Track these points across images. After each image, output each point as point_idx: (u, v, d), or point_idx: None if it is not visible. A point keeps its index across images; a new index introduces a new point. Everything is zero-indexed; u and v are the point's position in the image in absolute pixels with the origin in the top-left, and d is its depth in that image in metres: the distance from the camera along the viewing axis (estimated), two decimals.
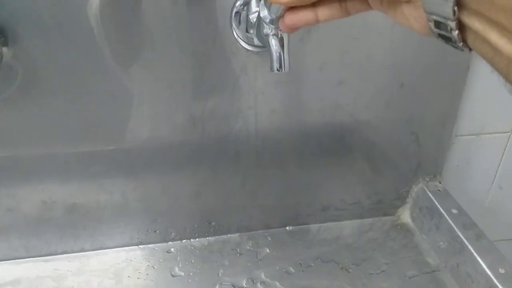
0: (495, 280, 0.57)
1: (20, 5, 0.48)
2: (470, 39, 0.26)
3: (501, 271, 0.58)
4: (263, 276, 0.64)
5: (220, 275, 0.64)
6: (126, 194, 0.64)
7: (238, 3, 0.51)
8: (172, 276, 0.64)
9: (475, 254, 0.60)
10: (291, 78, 0.58)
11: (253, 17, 0.51)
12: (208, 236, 0.70)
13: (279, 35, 0.45)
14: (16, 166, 0.59)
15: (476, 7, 0.24)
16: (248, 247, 0.69)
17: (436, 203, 0.69)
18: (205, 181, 0.65)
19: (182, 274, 0.64)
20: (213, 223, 0.69)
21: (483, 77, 0.65)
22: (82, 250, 0.67)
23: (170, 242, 0.69)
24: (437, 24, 0.27)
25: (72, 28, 0.51)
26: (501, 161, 0.75)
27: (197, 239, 0.69)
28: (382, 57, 0.59)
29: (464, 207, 0.67)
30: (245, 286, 0.63)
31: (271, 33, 0.45)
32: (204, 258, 0.67)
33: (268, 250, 0.68)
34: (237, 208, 0.69)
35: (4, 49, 0.49)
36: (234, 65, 0.56)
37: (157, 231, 0.68)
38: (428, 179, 0.72)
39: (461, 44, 0.27)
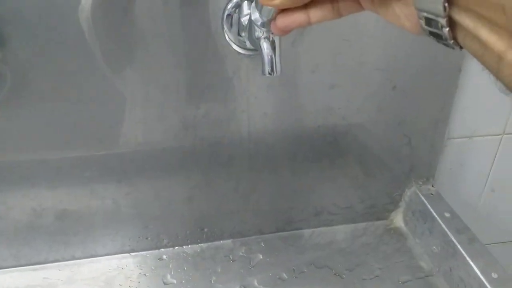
0: (487, 285, 0.57)
1: (10, 8, 0.48)
2: (460, 36, 0.26)
3: (494, 275, 0.57)
4: (256, 283, 0.64)
5: (212, 282, 0.64)
6: (118, 200, 0.63)
7: (229, 6, 0.51)
8: (164, 283, 0.63)
9: (467, 258, 0.60)
10: (283, 82, 0.58)
11: (244, 20, 0.50)
12: (200, 243, 0.69)
13: (271, 38, 0.45)
14: (5, 172, 0.58)
15: (467, 4, 0.24)
16: (241, 253, 0.68)
17: (429, 206, 0.69)
18: (198, 186, 0.65)
19: (175, 281, 0.64)
20: (205, 229, 0.68)
21: (474, 80, 0.65)
22: (73, 258, 0.66)
23: (162, 249, 0.68)
24: (428, 21, 0.27)
25: (63, 31, 0.50)
26: (493, 163, 0.76)
27: (189, 246, 0.69)
28: (374, 60, 0.59)
29: (457, 210, 0.67)
30: None
31: (262, 36, 0.45)
32: (196, 265, 0.66)
33: (261, 256, 0.68)
34: (230, 213, 0.68)
35: None
36: (227, 68, 0.56)
37: (149, 238, 0.67)
38: (421, 183, 0.72)
39: (452, 41, 0.27)
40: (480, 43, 0.25)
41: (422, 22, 0.27)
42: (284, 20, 0.35)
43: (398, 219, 0.75)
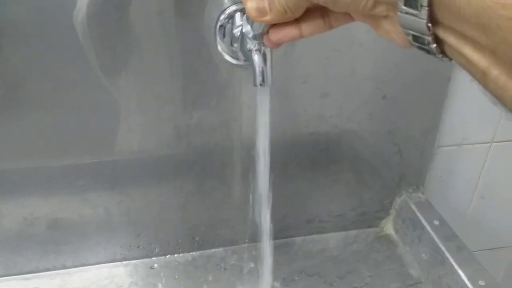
0: None
1: (5, 17, 0.48)
2: (447, 51, 0.27)
3: (481, 283, 0.58)
4: None
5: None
6: (110, 208, 0.63)
7: (222, 17, 0.51)
8: None
9: (455, 266, 0.61)
10: (275, 91, 0.58)
11: (237, 31, 0.51)
12: (192, 251, 0.69)
13: (262, 51, 0.46)
14: None
15: (449, 23, 0.25)
16: (233, 262, 0.68)
17: (418, 214, 0.69)
18: (190, 194, 0.65)
19: None
20: (197, 238, 0.69)
21: (463, 89, 0.66)
22: (64, 267, 0.65)
23: (154, 258, 0.68)
24: (415, 38, 0.27)
25: (57, 39, 0.50)
26: (482, 171, 0.77)
27: (181, 254, 0.69)
28: (365, 70, 0.60)
29: (447, 218, 0.68)
30: None
31: (254, 48, 0.46)
32: (188, 273, 0.66)
33: (252, 265, 0.68)
34: (222, 221, 0.68)
35: None
36: (219, 78, 0.56)
37: (141, 247, 0.67)
38: (411, 190, 0.73)
39: (440, 55, 0.27)
40: (465, 58, 0.25)
41: (410, 38, 0.28)
42: (277, 34, 0.36)
43: (388, 227, 0.76)
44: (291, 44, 0.56)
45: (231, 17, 0.51)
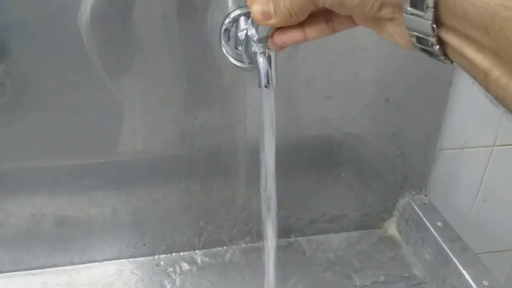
0: None
1: (12, 19, 0.49)
2: (450, 53, 0.28)
3: (485, 283, 0.59)
4: None
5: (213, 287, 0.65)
6: (116, 207, 0.64)
7: (227, 21, 0.53)
8: None
9: (459, 266, 0.61)
10: (279, 94, 0.59)
11: (241, 35, 0.52)
12: (197, 250, 0.70)
13: (267, 53, 0.46)
14: (5, 179, 0.59)
15: (453, 24, 0.26)
16: (237, 261, 0.69)
17: (422, 216, 0.70)
18: (195, 195, 0.66)
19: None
20: (202, 237, 0.70)
21: (465, 93, 0.67)
22: (72, 263, 0.67)
23: (160, 256, 0.69)
24: (419, 39, 0.28)
25: (62, 42, 0.51)
26: (484, 174, 0.77)
27: (186, 253, 0.70)
28: (368, 73, 0.60)
29: (449, 220, 0.69)
30: None
31: (258, 51, 0.46)
32: (193, 272, 0.67)
33: (256, 264, 0.69)
34: (227, 221, 0.69)
35: None
36: (224, 80, 0.57)
37: (147, 244, 0.68)
38: (414, 192, 0.74)
39: (442, 57, 0.28)
40: (467, 60, 0.26)
41: (414, 40, 0.28)
42: (281, 37, 0.37)
43: (392, 228, 0.76)
44: (294, 48, 0.57)
45: (235, 21, 0.52)
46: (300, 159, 0.66)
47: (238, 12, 0.52)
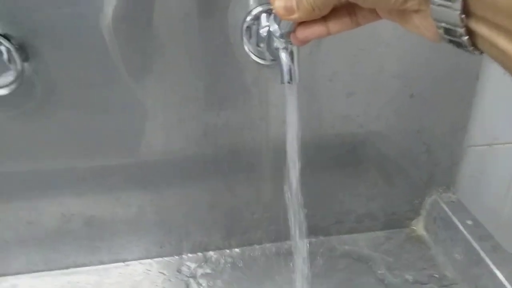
0: None
1: (39, 21, 0.50)
2: (479, 44, 0.27)
3: None
4: None
5: (238, 285, 0.65)
6: (142, 207, 0.65)
7: (248, 18, 0.53)
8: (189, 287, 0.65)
9: (492, 266, 0.59)
10: (302, 90, 0.59)
11: (263, 32, 0.52)
12: (223, 249, 0.70)
13: (289, 49, 0.47)
14: (35, 180, 0.60)
15: (482, 14, 0.25)
16: (262, 260, 0.69)
17: (450, 214, 0.68)
18: (219, 193, 0.66)
19: (200, 286, 0.65)
20: (228, 236, 0.70)
21: (493, 87, 0.65)
22: (101, 263, 0.68)
23: (185, 255, 0.70)
24: (447, 31, 0.27)
25: (88, 43, 0.53)
26: None
27: (212, 252, 0.70)
28: (392, 68, 0.60)
29: (479, 218, 0.67)
30: None
31: (281, 47, 0.47)
32: (219, 270, 0.67)
33: (281, 263, 0.68)
34: (252, 220, 0.69)
35: (25, 64, 0.52)
36: (246, 77, 0.58)
37: (173, 244, 0.69)
38: (441, 190, 0.72)
39: (471, 48, 0.27)
40: (499, 50, 0.25)
41: (441, 31, 0.28)
42: (304, 32, 0.37)
43: (419, 227, 0.75)
44: (317, 43, 0.57)
45: (257, 18, 0.53)
46: (323, 157, 0.66)
47: (259, 9, 0.53)
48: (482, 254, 0.61)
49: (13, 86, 0.52)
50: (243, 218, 0.69)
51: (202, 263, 0.69)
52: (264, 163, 0.65)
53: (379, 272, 0.67)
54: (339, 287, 0.65)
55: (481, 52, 0.28)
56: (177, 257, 0.69)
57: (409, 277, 0.66)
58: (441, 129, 0.67)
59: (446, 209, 0.69)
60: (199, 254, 0.70)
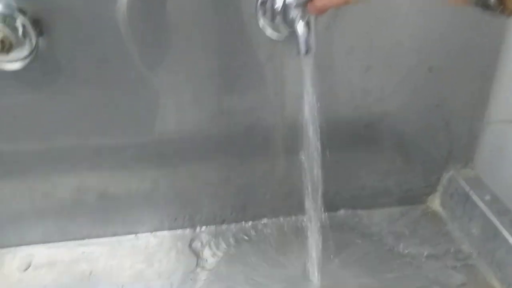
0: None
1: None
2: (509, 3, 0.26)
3: None
4: (285, 262, 0.65)
5: (248, 260, 0.65)
6: (156, 180, 0.65)
7: None
8: (201, 261, 0.65)
9: (510, 240, 0.59)
10: (318, 65, 0.58)
11: (278, 6, 0.51)
12: (236, 222, 0.71)
13: (306, 19, 0.45)
14: (50, 153, 0.61)
15: None
16: (274, 233, 0.69)
17: (468, 190, 0.67)
18: (234, 169, 0.66)
19: (211, 259, 0.65)
20: (241, 210, 0.70)
21: None
22: (114, 234, 0.69)
23: (198, 228, 0.70)
24: None
25: (102, 19, 0.52)
26: None
27: (225, 225, 0.70)
28: (410, 41, 0.58)
29: (498, 194, 0.66)
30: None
31: (297, 17, 0.46)
32: (232, 244, 0.68)
33: (294, 238, 0.68)
34: (266, 195, 0.69)
35: (40, 39, 0.51)
36: (260, 53, 0.57)
37: (186, 217, 0.69)
38: (459, 166, 0.71)
39: (500, 8, 0.26)
40: None
41: None
42: (322, 0, 0.36)
43: (435, 203, 0.74)
44: (333, 17, 0.55)
45: None
46: (339, 132, 0.65)
47: None
48: (500, 228, 0.61)
49: (27, 61, 0.52)
50: (257, 193, 0.69)
51: (216, 237, 0.69)
52: (279, 138, 0.64)
53: (394, 247, 0.67)
54: (352, 262, 0.65)
55: (509, 15, 0.26)
56: (191, 229, 0.70)
57: (424, 251, 0.66)
58: (461, 104, 0.65)
59: (464, 184, 0.68)
60: (212, 227, 0.70)
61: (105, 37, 0.53)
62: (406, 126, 0.66)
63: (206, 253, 0.66)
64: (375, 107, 0.63)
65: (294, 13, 0.46)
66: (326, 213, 0.72)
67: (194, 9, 0.53)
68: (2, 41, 0.46)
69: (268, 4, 0.52)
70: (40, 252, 0.67)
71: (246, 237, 0.69)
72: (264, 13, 0.53)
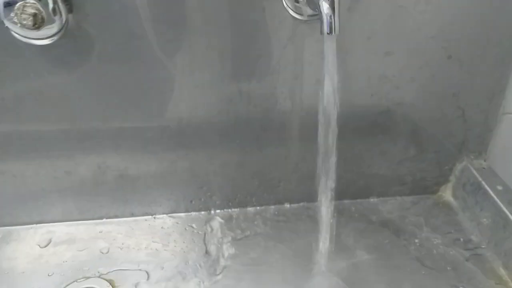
0: None
1: None
2: None
3: None
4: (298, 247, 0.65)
5: (262, 243, 0.66)
6: (175, 162, 0.66)
7: None
8: (216, 242, 0.66)
9: None
10: (338, 48, 0.59)
11: None
12: (251, 206, 0.72)
13: None
14: (73, 131, 0.61)
15: None
16: (288, 218, 0.70)
17: (481, 180, 0.68)
18: (250, 152, 0.67)
19: (226, 240, 0.66)
20: (256, 194, 0.71)
21: None
22: (132, 215, 0.70)
23: (213, 211, 0.71)
24: None
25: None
26: None
27: (240, 209, 0.71)
28: (430, 28, 0.58)
29: (510, 186, 0.66)
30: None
31: None
32: (246, 227, 0.69)
33: (307, 223, 0.69)
34: (280, 180, 0.70)
35: (70, 16, 0.52)
36: (282, 34, 0.57)
37: (203, 199, 0.70)
38: (472, 157, 0.71)
39: None
40: None
41: None
42: None
43: (447, 193, 0.75)
44: (355, 0, 0.56)
45: None
46: (356, 118, 0.66)
47: None
48: (511, 218, 0.61)
49: (55, 38, 0.52)
50: (272, 177, 0.70)
51: (231, 219, 0.70)
52: (295, 122, 0.65)
53: (404, 235, 0.68)
54: (364, 250, 0.66)
55: None
56: (206, 212, 0.71)
57: (434, 239, 0.67)
58: (478, 94, 0.65)
59: (476, 175, 0.69)
60: (228, 210, 0.71)
61: (131, 16, 0.54)
62: (421, 114, 0.67)
63: (221, 235, 0.67)
64: (392, 94, 0.64)
65: None
66: (338, 200, 0.73)
67: None
68: (35, 16, 0.46)
69: None
70: (60, 230, 0.68)
71: (260, 221, 0.70)
72: None
